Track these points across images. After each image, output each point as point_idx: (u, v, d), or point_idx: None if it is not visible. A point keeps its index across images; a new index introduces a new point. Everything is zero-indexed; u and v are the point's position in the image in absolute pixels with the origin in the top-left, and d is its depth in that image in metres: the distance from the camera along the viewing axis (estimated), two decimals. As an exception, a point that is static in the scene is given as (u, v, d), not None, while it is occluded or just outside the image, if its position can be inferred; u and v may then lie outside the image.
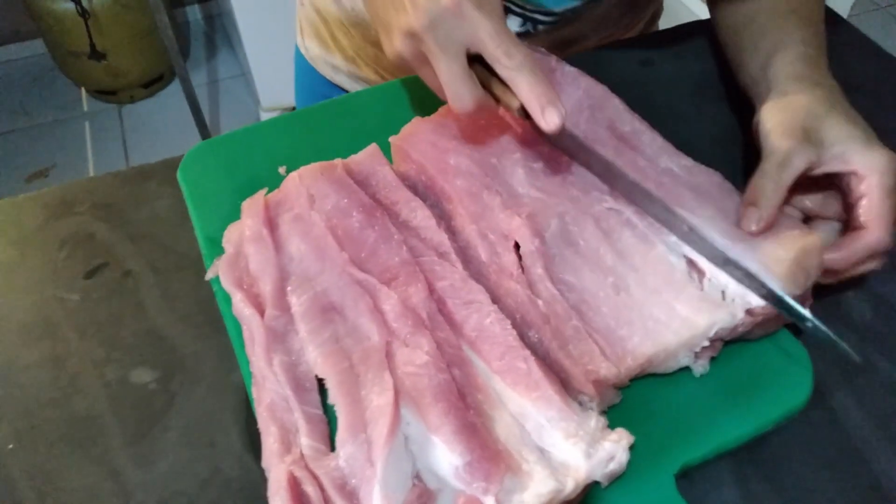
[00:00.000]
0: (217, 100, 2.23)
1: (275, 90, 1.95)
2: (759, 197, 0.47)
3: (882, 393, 0.48)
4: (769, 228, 0.47)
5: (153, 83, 2.20)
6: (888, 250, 0.47)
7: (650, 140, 0.54)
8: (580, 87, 0.57)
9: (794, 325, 0.48)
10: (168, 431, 0.46)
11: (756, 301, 0.44)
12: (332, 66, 0.82)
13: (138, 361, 0.50)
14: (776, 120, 0.50)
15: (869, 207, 0.47)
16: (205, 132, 1.95)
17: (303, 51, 0.86)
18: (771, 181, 0.47)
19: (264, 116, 2.06)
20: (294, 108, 0.95)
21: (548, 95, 0.45)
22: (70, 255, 0.56)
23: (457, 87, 0.45)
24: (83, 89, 2.23)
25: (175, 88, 2.23)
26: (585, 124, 0.55)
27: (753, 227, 0.46)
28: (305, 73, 0.88)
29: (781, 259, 0.45)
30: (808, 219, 0.52)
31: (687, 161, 0.52)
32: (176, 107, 2.17)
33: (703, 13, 0.91)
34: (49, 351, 0.50)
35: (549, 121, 0.45)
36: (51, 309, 0.53)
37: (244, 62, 2.05)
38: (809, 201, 0.51)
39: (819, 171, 0.49)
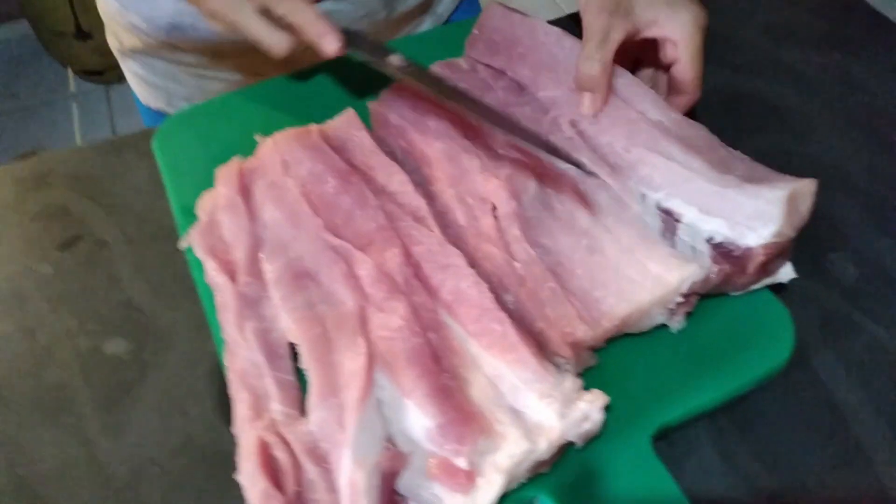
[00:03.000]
0: (206, 79, 2.21)
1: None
2: (588, 82, 0.50)
3: (865, 353, 0.47)
4: (605, 106, 0.50)
5: (141, 63, 2.18)
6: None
7: (642, 93, 0.53)
8: (565, 46, 0.56)
9: (777, 286, 0.47)
10: (140, 401, 0.46)
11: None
12: (186, 97, 0.77)
13: (112, 332, 0.49)
14: None
15: (683, 70, 0.51)
16: (194, 111, 1.93)
17: (149, 103, 0.80)
18: (597, 63, 0.49)
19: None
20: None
21: (320, 27, 0.49)
22: (44, 227, 0.55)
23: (265, 38, 0.51)
24: (70, 70, 2.20)
25: (163, 68, 2.21)
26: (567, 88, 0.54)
27: (591, 111, 0.50)
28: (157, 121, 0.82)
29: (778, 199, 0.44)
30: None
31: (675, 115, 0.51)
32: (165, 87, 2.14)
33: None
34: (21, 322, 0.50)
35: (327, 47, 0.50)
36: (24, 281, 0.52)
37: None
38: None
39: (639, 37, 0.51)
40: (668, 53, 0.51)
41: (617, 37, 0.49)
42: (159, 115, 0.80)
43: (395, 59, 0.51)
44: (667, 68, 0.53)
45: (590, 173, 0.48)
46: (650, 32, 0.51)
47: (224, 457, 0.43)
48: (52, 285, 0.52)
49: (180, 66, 0.72)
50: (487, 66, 0.57)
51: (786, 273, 0.47)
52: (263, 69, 0.70)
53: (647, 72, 0.56)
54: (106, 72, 2.12)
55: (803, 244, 0.51)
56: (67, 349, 0.48)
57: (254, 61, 0.70)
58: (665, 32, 0.50)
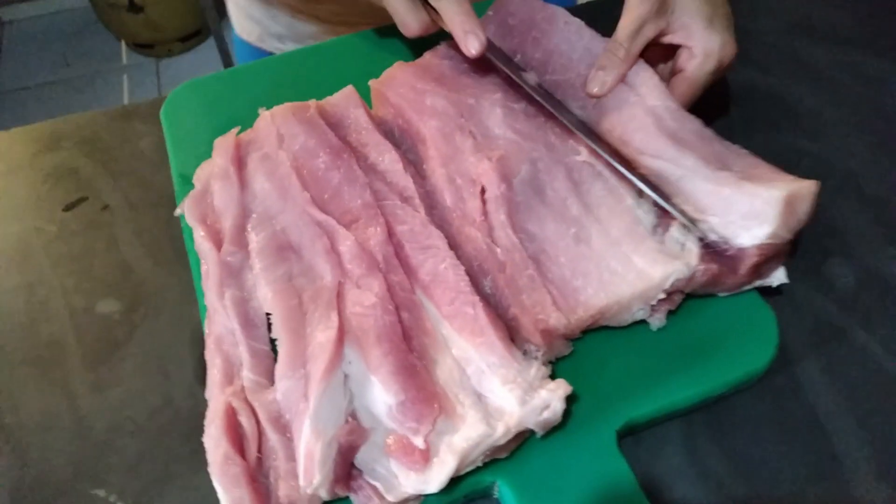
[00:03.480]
0: (252, 57, 2.24)
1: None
2: (608, 63, 0.49)
3: (854, 367, 0.46)
4: (609, 93, 0.50)
5: (190, 38, 2.22)
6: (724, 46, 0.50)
7: (646, 77, 0.52)
8: (583, 36, 0.55)
9: (765, 288, 0.46)
10: (126, 360, 0.47)
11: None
12: (278, 36, 0.79)
13: (106, 292, 0.51)
14: None
15: (680, 82, 0.51)
16: (237, 88, 1.96)
17: (243, 35, 0.82)
18: (622, 49, 0.49)
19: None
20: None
21: (469, 24, 0.49)
22: (53, 187, 0.57)
23: (402, 14, 0.51)
24: (122, 42, 2.26)
25: (211, 43, 2.25)
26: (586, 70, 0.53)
27: (596, 90, 0.50)
28: (249, 56, 0.84)
29: (774, 199, 0.43)
30: None
31: (672, 104, 0.50)
32: (212, 62, 2.18)
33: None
34: (22, 278, 0.52)
35: (469, 46, 0.49)
36: (29, 239, 0.54)
37: (279, 19, 2.05)
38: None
39: (665, 39, 0.51)
40: (680, 61, 0.51)
41: (649, 33, 0.50)
42: (252, 51, 0.82)
43: (529, 77, 0.51)
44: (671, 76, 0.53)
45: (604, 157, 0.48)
46: (677, 38, 0.51)
47: (199, 420, 0.44)
48: (55, 244, 0.53)
49: (278, 2, 0.74)
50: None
51: (778, 277, 0.46)
52: (354, 19, 0.72)
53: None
54: (156, 45, 2.18)
55: (803, 247, 0.50)
56: (62, 306, 0.50)
57: (349, 10, 0.72)
58: (691, 42, 0.50)
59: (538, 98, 0.50)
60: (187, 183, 0.52)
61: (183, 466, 0.43)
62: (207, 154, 0.53)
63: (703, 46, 0.50)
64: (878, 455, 0.42)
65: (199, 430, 0.43)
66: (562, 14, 0.54)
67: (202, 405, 0.45)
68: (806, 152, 0.56)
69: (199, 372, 0.46)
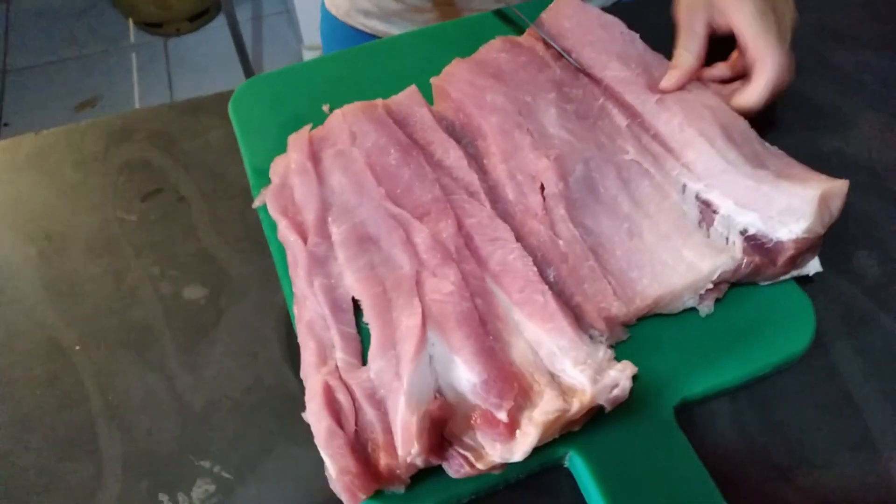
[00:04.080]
0: (260, 36, 2.25)
1: (317, 28, 1.96)
2: (678, 63, 0.56)
3: (881, 347, 0.50)
4: (680, 86, 0.55)
5: (199, 17, 2.23)
6: (789, 69, 0.54)
7: (702, 87, 0.56)
8: (638, 47, 0.59)
9: (802, 278, 0.51)
10: (216, 343, 0.51)
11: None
12: (364, 11, 0.84)
13: (190, 279, 0.54)
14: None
15: (748, 51, 0.54)
16: (248, 68, 1.98)
17: (332, 9, 0.88)
18: (686, 50, 0.56)
19: (306, 55, 2.08)
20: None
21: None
22: (128, 179, 0.60)
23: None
24: (131, 21, 2.26)
25: (220, 23, 2.26)
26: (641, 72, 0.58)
27: (670, 86, 0.55)
28: (333, 30, 0.89)
29: (810, 197, 0.47)
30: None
31: (722, 103, 0.54)
32: (220, 41, 2.20)
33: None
34: (110, 266, 0.55)
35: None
36: (111, 228, 0.57)
37: (288, -1, 2.07)
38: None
39: (717, 27, 0.56)
40: (739, 43, 0.55)
41: (699, 28, 0.56)
42: (336, 26, 0.87)
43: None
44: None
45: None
46: (721, 21, 0.56)
47: (291, 398, 0.48)
48: (137, 233, 0.57)
49: None
50: (548, 46, 0.60)
51: (813, 266, 0.50)
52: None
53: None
54: (165, 25, 2.19)
55: (831, 240, 0.54)
56: (151, 292, 0.54)
57: None
58: (730, 20, 0.55)
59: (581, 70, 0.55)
60: (261, 176, 0.56)
61: (277, 440, 0.47)
62: (277, 148, 0.56)
63: (741, 16, 0.54)
64: (904, 427, 0.47)
65: (290, 406, 0.48)
66: (618, 25, 0.58)
67: (290, 384, 0.49)
68: (834, 151, 0.61)
69: (286, 352, 0.50)
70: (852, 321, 0.52)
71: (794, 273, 0.50)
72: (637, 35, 0.58)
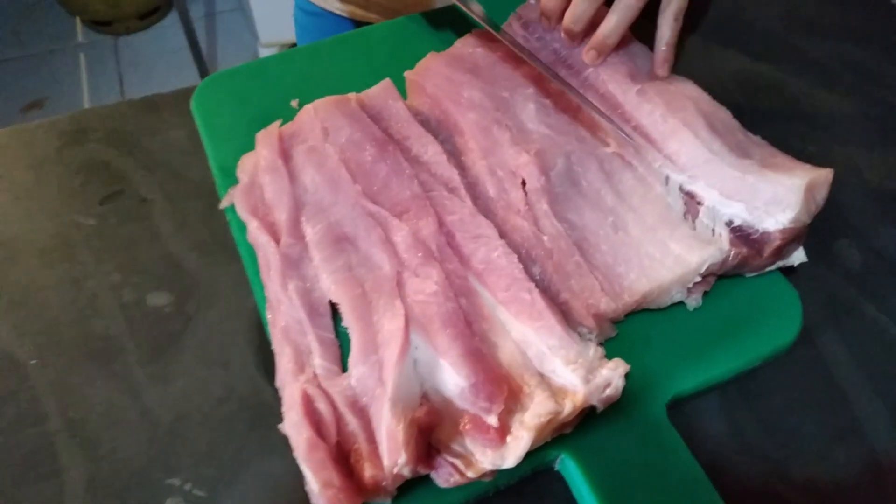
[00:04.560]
0: (214, 34, 2.20)
1: (274, 25, 1.92)
2: (667, 55, 0.55)
3: (867, 337, 0.50)
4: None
5: (150, 15, 2.16)
6: None
7: (685, 80, 0.56)
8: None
9: (787, 268, 0.50)
10: (184, 352, 0.48)
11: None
12: None
13: (154, 285, 0.51)
14: None
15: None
16: (202, 67, 1.93)
17: None
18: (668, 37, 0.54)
19: (262, 52, 2.03)
20: (294, 45, 0.94)
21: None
22: (86, 181, 0.57)
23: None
24: (78, 19, 2.19)
25: (172, 21, 2.20)
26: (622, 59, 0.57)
27: (661, 72, 0.55)
28: (306, 14, 0.87)
29: (796, 187, 0.46)
30: None
31: (706, 95, 0.53)
32: (172, 40, 2.14)
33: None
34: (67, 273, 0.52)
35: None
36: (69, 232, 0.54)
37: (243, -4, 2.02)
38: None
39: None
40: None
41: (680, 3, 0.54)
42: (309, 12, 0.84)
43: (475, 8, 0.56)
44: None
45: (624, 134, 0.51)
46: None
47: (266, 408, 0.46)
48: (96, 238, 0.54)
49: None
50: (531, 33, 0.59)
51: (798, 257, 0.49)
52: None
53: None
54: (114, 23, 2.12)
55: (813, 230, 0.53)
56: (112, 300, 0.51)
57: None
58: None
59: (551, 72, 0.54)
60: (228, 175, 0.53)
61: (253, 453, 0.44)
62: (243, 145, 0.54)
63: None
64: (892, 414, 0.47)
65: (265, 417, 0.45)
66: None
67: (265, 393, 0.47)
68: (810, 140, 0.60)
69: (259, 361, 0.48)
70: (837, 310, 0.51)
71: (780, 264, 0.50)
72: None
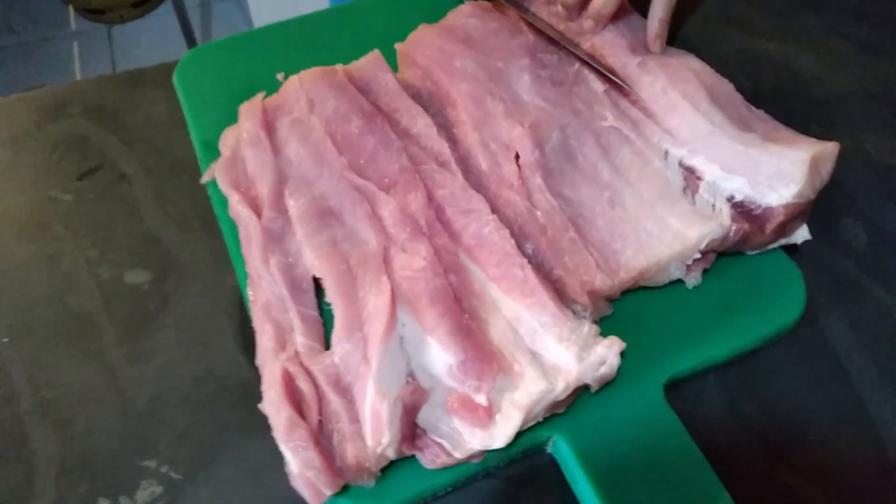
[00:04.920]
0: (209, 23, 2.17)
1: (269, 14, 1.89)
2: (660, 31, 0.52)
3: (872, 317, 0.48)
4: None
5: (144, 3, 2.14)
6: None
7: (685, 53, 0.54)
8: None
9: (790, 248, 0.48)
10: (162, 331, 0.46)
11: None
12: None
13: (132, 262, 0.50)
14: None
15: None
16: (197, 56, 1.90)
17: None
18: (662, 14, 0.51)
19: (258, 42, 2.00)
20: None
21: None
22: (63, 156, 0.55)
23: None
24: (71, 7, 2.16)
25: (166, 9, 2.17)
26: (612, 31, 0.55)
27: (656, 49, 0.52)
28: None
29: (801, 160, 0.44)
30: None
31: (709, 68, 0.51)
32: (167, 29, 2.11)
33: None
34: (43, 249, 0.50)
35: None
36: (45, 208, 0.52)
37: (238, -16, 1.99)
38: None
39: None
40: None
41: None
42: None
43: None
44: None
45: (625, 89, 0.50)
46: None
47: (246, 388, 0.44)
48: (73, 214, 0.52)
49: None
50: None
51: (801, 234, 0.47)
52: None
53: None
54: (108, 11, 2.09)
55: (816, 208, 0.52)
56: (88, 277, 0.49)
57: None
58: None
59: (554, 37, 0.52)
60: (210, 150, 0.51)
61: (233, 434, 0.43)
62: (227, 119, 0.52)
63: None
64: (898, 398, 0.45)
65: (246, 397, 0.44)
66: None
67: (246, 373, 0.45)
68: (814, 118, 0.58)
69: (240, 339, 0.46)
70: (841, 291, 0.49)
71: (783, 241, 0.48)
72: None
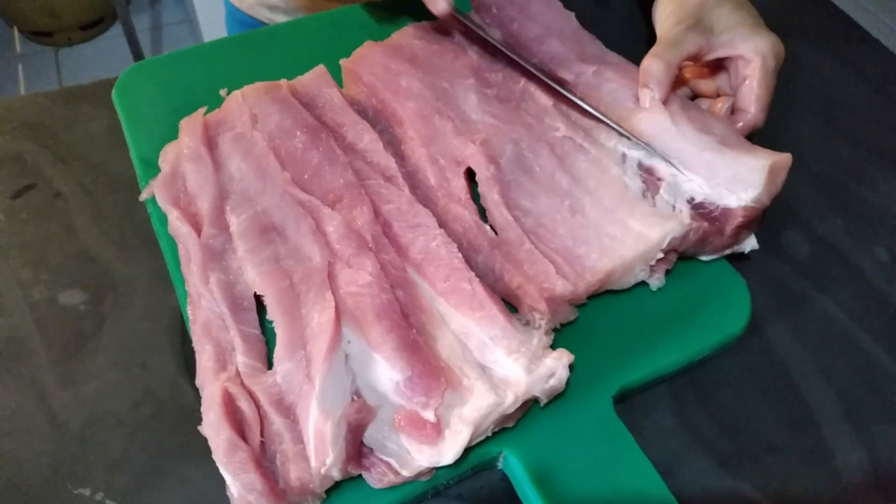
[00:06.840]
0: (160, 47, 2.14)
1: (222, 35, 1.87)
2: (648, 78, 0.49)
3: (815, 325, 0.49)
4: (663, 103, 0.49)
5: (92, 26, 2.10)
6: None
7: (617, 59, 0.54)
8: (573, 24, 0.57)
9: (736, 260, 0.49)
10: (98, 353, 0.45)
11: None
12: (269, 6, 0.78)
13: (67, 283, 0.48)
14: (670, 9, 0.53)
15: (750, 89, 0.51)
16: (147, 79, 1.87)
17: (236, 1, 0.82)
18: (661, 61, 0.49)
19: (210, 65, 1.98)
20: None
21: None
22: (-5, 174, 0.53)
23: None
24: (16, 29, 2.11)
25: (115, 32, 2.14)
26: (560, 44, 0.55)
27: (647, 104, 0.49)
28: (238, 25, 0.84)
29: (760, 167, 0.45)
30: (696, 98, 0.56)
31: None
32: (116, 52, 2.07)
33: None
34: (-30, 271, 0.48)
35: (438, 6, 0.51)
36: (-27, 228, 0.50)
37: (190, 7, 1.97)
38: (703, 84, 0.55)
39: (709, 56, 0.52)
40: (738, 72, 0.51)
41: (689, 47, 0.50)
42: (241, 20, 0.81)
43: (494, 34, 0.54)
44: (734, 89, 0.53)
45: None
46: (724, 52, 0.51)
47: (186, 411, 0.42)
48: (4, 234, 0.50)
49: None
50: (466, 31, 0.57)
51: (749, 244, 0.48)
52: None
53: (704, 101, 0.55)
54: (54, 34, 2.05)
55: (761, 220, 0.53)
56: (20, 298, 0.47)
57: None
58: (740, 52, 0.51)
59: (507, 52, 0.52)
60: (150, 167, 0.50)
61: (173, 459, 0.41)
62: (167, 136, 0.51)
63: (755, 50, 0.50)
64: (843, 402, 0.46)
65: (186, 421, 0.42)
66: (558, 6, 0.57)
67: (186, 395, 0.43)
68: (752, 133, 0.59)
69: (180, 361, 0.44)
70: (784, 299, 0.50)
71: (731, 250, 0.48)
72: (573, 15, 0.56)
